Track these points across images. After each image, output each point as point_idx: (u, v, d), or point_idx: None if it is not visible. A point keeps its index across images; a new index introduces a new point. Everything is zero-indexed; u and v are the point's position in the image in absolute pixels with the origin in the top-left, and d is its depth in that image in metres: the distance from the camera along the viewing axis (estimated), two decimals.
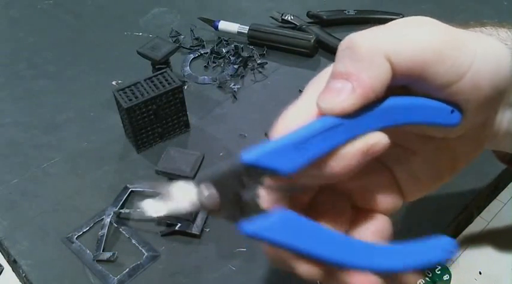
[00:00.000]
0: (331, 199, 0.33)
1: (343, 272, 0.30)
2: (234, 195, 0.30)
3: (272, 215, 0.30)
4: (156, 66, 0.67)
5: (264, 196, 0.30)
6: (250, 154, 0.29)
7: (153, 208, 0.31)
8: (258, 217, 0.30)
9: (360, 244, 0.32)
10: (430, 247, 0.32)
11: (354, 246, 0.31)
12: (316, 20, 0.81)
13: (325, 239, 0.30)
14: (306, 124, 0.31)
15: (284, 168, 0.29)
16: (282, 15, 0.81)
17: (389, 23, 0.30)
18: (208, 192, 0.29)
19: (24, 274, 0.51)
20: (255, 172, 0.30)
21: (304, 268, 0.30)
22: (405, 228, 0.53)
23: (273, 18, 0.81)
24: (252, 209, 0.31)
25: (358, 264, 0.30)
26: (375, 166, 0.34)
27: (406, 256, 0.31)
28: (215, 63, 0.75)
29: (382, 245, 0.33)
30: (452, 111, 0.31)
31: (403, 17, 0.87)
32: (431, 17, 0.31)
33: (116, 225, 0.54)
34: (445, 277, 0.50)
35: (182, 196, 0.29)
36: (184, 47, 0.78)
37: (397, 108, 0.30)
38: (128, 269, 0.51)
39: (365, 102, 0.29)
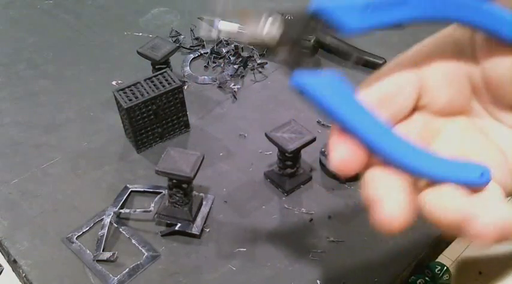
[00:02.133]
0: None
1: (374, 154, 0.29)
2: (296, 39, 0.31)
3: (326, 74, 0.30)
4: (156, 66, 0.67)
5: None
6: (319, 2, 0.30)
7: (226, 26, 0.35)
8: (311, 72, 0.30)
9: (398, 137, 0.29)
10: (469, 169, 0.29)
11: (391, 134, 0.29)
12: None
13: (366, 116, 0.30)
14: None
15: (347, 25, 0.30)
16: (282, 15, 0.81)
17: None
18: (273, 26, 0.31)
19: (24, 274, 0.51)
20: (319, 24, 0.30)
21: (339, 143, 0.29)
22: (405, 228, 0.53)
23: None
24: (308, 61, 0.31)
25: (390, 150, 0.29)
26: None
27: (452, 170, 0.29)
28: (215, 63, 0.75)
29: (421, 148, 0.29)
30: None
31: None
32: None
33: (116, 225, 0.54)
34: (445, 277, 0.50)
35: (251, 26, 0.31)
36: (184, 47, 0.78)
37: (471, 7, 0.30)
38: (127, 269, 0.51)
39: None
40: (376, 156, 0.29)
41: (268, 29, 0.31)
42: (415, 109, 0.31)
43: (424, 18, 0.30)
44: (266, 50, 0.29)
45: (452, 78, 0.31)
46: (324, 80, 0.30)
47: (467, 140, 0.31)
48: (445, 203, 0.28)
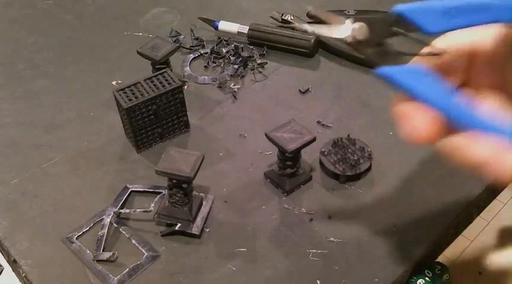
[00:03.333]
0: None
1: (454, 130, 0.35)
2: (381, 38, 0.36)
3: (406, 65, 0.36)
4: (156, 66, 0.67)
5: (408, 48, 0.37)
6: (402, 6, 0.35)
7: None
8: (393, 66, 0.36)
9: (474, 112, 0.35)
10: None
11: (469, 111, 0.35)
12: (316, 20, 0.81)
13: (445, 97, 0.35)
14: None
15: (428, 26, 0.35)
16: (282, 15, 0.81)
17: None
18: (358, 26, 0.36)
19: (24, 274, 0.51)
20: (403, 25, 0.35)
21: (419, 119, 0.35)
22: (405, 228, 0.53)
23: (273, 18, 0.81)
24: (391, 58, 0.36)
25: (468, 122, 0.35)
26: None
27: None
28: (215, 63, 0.75)
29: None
30: None
31: None
32: None
33: (116, 225, 0.54)
34: (445, 277, 0.50)
35: (340, 26, 0.36)
36: (184, 47, 0.78)
37: None
38: (127, 269, 0.51)
39: None
40: (447, 123, 0.35)
41: (355, 31, 0.36)
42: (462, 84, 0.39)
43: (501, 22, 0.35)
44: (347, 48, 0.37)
45: (494, 65, 0.38)
46: (404, 69, 0.36)
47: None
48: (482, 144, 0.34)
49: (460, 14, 0.35)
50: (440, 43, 0.38)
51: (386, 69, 0.36)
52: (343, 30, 0.37)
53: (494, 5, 0.34)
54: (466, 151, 0.35)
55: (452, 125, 0.36)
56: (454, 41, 0.38)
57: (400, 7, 0.35)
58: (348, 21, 0.36)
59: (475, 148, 0.34)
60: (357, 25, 0.36)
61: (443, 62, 0.38)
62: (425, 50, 0.37)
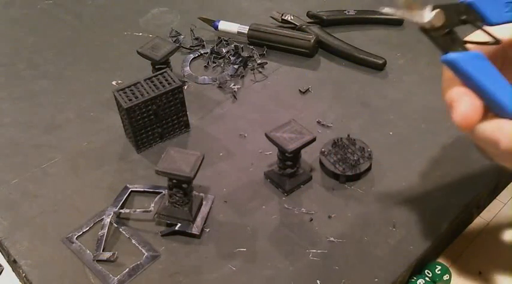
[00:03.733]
0: None
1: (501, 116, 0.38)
2: (451, 26, 0.39)
3: (472, 52, 0.38)
4: (156, 66, 0.67)
5: (474, 39, 0.40)
6: None
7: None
8: (460, 52, 0.38)
9: None
10: None
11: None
12: (316, 20, 0.81)
13: (504, 86, 0.38)
14: None
15: (492, 17, 0.39)
16: (282, 15, 0.81)
17: None
18: (437, 12, 0.38)
19: (24, 274, 0.51)
20: (471, 14, 0.39)
21: (467, 103, 0.38)
22: (405, 228, 0.53)
23: (273, 18, 0.81)
24: (459, 45, 0.39)
25: None
26: None
27: None
28: (215, 63, 0.75)
29: None
30: None
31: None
32: None
33: (116, 225, 0.54)
34: (445, 277, 0.50)
35: (418, 11, 0.39)
36: (184, 47, 0.78)
37: None
38: (127, 269, 0.51)
39: None
40: (494, 109, 0.38)
41: (431, 17, 0.38)
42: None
43: None
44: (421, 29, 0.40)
45: None
46: (467, 56, 0.38)
47: None
48: None
49: None
50: (496, 32, 0.40)
51: (452, 56, 0.38)
52: (425, 15, 0.39)
53: None
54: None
55: (499, 112, 0.38)
56: (502, 31, 0.40)
57: None
58: (428, 8, 0.39)
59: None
60: (436, 11, 0.38)
61: (496, 50, 0.41)
62: (483, 38, 0.40)
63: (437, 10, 0.39)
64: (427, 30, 0.39)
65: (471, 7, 0.39)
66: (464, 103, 0.38)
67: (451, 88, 0.39)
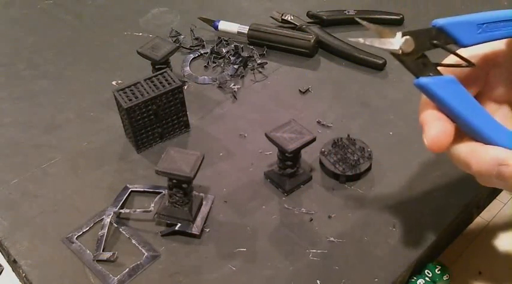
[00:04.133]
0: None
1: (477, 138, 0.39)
2: (422, 50, 0.39)
3: (444, 77, 0.39)
4: (156, 66, 0.67)
5: (446, 62, 0.40)
6: (441, 20, 0.39)
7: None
8: (432, 77, 0.39)
9: (504, 129, 0.40)
10: None
11: (500, 128, 0.39)
12: (316, 20, 0.81)
13: (476, 110, 0.39)
14: (493, 12, 0.39)
15: (464, 39, 0.39)
16: (282, 15, 0.81)
17: None
18: (407, 39, 0.39)
19: (24, 274, 0.51)
20: (442, 38, 0.39)
21: (438, 127, 0.39)
22: (405, 228, 0.53)
23: (273, 18, 0.81)
24: (431, 70, 0.39)
25: (495, 139, 0.39)
26: None
27: None
28: (215, 63, 0.75)
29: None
30: None
31: (403, 17, 0.87)
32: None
33: (116, 225, 0.54)
34: (445, 277, 0.50)
35: (388, 39, 0.39)
36: (184, 47, 0.78)
37: None
38: (127, 269, 0.51)
39: None
40: (467, 133, 0.39)
41: (400, 43, 0.39)
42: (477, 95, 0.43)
43: None
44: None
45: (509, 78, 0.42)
46: (439, 80, 0.39)
47: None
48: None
49: (493, 28, 0.39)
50: (470, 53, 0.41)
51: (423, 80, 0.39)
52: (394, 42, 0.39)
53: None
54: (477, 158, 0.38)
55: (472, 135, 0.40)
56: (477, 52, 0.42)
57: (440, 21, 0.39)
58: (398, 34, 0.39)
59: (485, 157, 0.38)
60: (405, 38, 0.39)
61: (467, 72, 0.42)
62: (453, 59, 0.41)
63: (407, 37, 0.39)
64: (398, 56, 0.39)
65: (442, 31, 0.39)
66: (434, 128, 0.39)
67: (425, 111, 0.40)
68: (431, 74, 0.39)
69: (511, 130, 0.40)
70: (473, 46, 0.40)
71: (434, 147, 0.39)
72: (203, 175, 0.58)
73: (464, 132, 0.40)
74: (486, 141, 0.39)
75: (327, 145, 0.60)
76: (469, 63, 0.40)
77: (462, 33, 0.39)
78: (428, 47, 0.39)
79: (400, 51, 0.39)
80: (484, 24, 0.39)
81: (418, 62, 0.39)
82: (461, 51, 0.40)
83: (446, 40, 0.39)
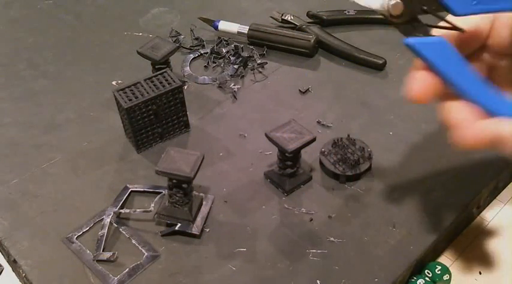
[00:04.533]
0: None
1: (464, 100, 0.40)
2: (412, 15, 0.40)
3: (433, 38, 0.40)
4: (156, 66, 0.67)
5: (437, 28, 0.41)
6: None
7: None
8: (420, 37, 0.40)
9: (489, 92, 0.40)
10: None
11: (485, 90, 0.40)
12: (316, 20, 0.81)
13: (463, 71, 0.40)
14: None
15: (456, 9, 0.39)
16: (282, 15, 0.81)
17: None
18: (396, 2, 0.39)
19: (24, 274, 0.51)
20: (433, 4, 0.39)
21: (420, 80, 0.41)
22: (405, 228, 0.53)
23: (273, 18, 0.81)
24: (421, 31, 0.40)
25: (480, 100, 0.40)
26: None
27: None
28: (215, 63, 0.75)
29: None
30: None
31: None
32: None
33: (116, 225, 0.54)
34: (445, 277, 0.50)
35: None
36: (184, 47, 0.78)
37: None
38: (127, 269, 0.51)
39: None
40: (457, 94, 0.40)
41: (391, 7, 0.40)
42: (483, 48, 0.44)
43: None
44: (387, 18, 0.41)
45: None
46: (428, 40, 0.40)
47: None
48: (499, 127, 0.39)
49: (491, 0, 0.39)
50: (461, 24, 0.41)
51: (411, 40, 0.39)
52: (378, 1, 0.41)
53: None
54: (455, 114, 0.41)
55: (458, 94, 0.41)
56: (474, 24, 0.42)
57: None
58: None
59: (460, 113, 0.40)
60: (393, 2, 0.40)
61: (462, 37, 0.42)
62: (447, 25, 0.41)
63: (396, 1, 0.40)
64: (388, 17, 0.41)
65: None
66: (416, 80, 0.41)
67: (414, 71, 0.42)
68: (421, 35, 0.40)
69: (495, 93, 0.40)
70: (476, 17, 0.40)
71: (414, 96, 0.41)
72: (203, 175, 0.58)
73: (453, 91, 0.41)
74: (471, 102, 0.40)
75: (327, 145, 0.60)
76: (458, 29, 0.41)
77: (456, 2, 0.39)
78: (418, 12, 0.40)
79: (388, 13, 0.40)
80: None
81: (408, 25, 0.41)
82: (451, 19, 0.41)
83: (437, 7, 0.39)
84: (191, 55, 0.77)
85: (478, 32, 0.43)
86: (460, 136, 0.40)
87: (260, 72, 0.74)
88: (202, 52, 0.77)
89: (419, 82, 0.41)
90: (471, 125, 0.40)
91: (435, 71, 0.40)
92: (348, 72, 0.73)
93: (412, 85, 0.41)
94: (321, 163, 0.59)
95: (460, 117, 0.40)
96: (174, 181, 0.51)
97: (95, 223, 0.55)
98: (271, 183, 0.58)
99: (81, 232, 0.54)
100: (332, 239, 0.53)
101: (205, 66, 0.75)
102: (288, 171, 0.57)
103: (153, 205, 0.54)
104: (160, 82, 0.60)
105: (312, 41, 0.75)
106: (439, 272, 0.52)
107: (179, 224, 0.53)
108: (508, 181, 0.62)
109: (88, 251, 0.52)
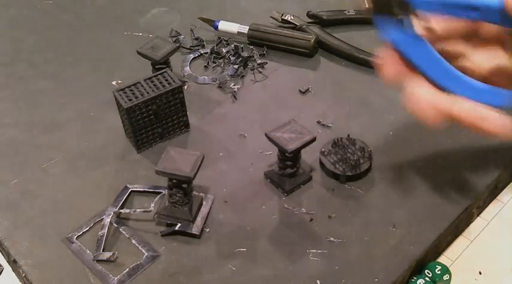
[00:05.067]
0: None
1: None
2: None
3: (407, 29, 0.43)
4: (156, 66, 0.67)
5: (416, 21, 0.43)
6: None
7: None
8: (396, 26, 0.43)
9: (465, 79, 0.43)
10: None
11: (460, 78, 0.43)
12: (316, 20, 0.81)
13: (437, 63, 0.43)
14: None
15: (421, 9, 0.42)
16: (282, 15, 0.81)
17: None
18: None
19: (24, 274, 0.51)
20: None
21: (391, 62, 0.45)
22: (405, 228, 0.53)
23: (273, 18, 0.81)
24: (395, 17, 0.43)
25: (453, 88, 0.43)
26: None
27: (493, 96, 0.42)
28: (215, 63, 0.75)
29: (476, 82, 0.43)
30: None
31: None
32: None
33: (116, 225, 0.54)
34: (445, 277, 0.50)
35: None
36: (184, 47, 0.78)
37: None
38: (127, 269, 0.51)
39: None
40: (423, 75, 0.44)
41: None
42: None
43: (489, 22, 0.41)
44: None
45: None
46: (402, 31, 0.43)
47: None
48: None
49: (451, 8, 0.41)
50: (437, 25, 0.44)
51: (390, 33, 0.44)
52: None
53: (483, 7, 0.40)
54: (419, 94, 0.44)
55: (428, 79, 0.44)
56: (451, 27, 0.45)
57: None
58: None
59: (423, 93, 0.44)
60: None
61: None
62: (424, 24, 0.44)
63: None
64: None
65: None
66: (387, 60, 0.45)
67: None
68: (395, 23, 0.43)
69: (457, 74, 0.43)
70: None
71: (383, 77, 0.45)
72: (203, 175, 0.58)
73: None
74: (434, 82, 0.44)
75: (327, 145, 0.60)
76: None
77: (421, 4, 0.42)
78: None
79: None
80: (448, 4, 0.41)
81: (382, 11, 0.44)
82: (437, 22, 0.44)
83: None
84: (191, 55, 0.77)
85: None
86: (416, 106, 0.44)
87: (260, 72, 0.74)
88: (202, 52, 0.77)
89: (389, 64, 0.45)
90: (429, 97, 0.44)
91: (400, 53, 0.44)
92: (348, 72, 0.73)
93: (383, 67, 0.45)
94: (321, 163, 0.59)
95: (420, 92, 0.45)
96: (174, 181, 0.51)
97: (95, 223, 0.55)
98: (271, 183, 0.58)
99: (81, 232, 0.54)
100: (332, 239, 0.53)
101: (205, 66, 0.75)
102: (288, 171, 0.57)
103: (153, 205, 0.54)
104: (160, 82, 0.60)
105: (312, 41, 0.75)
106: (439, 272, 0.52)
107: (179, 224, 0.53)
108: (508, 181, 0.62)
109: (88, 251, 0.52)
